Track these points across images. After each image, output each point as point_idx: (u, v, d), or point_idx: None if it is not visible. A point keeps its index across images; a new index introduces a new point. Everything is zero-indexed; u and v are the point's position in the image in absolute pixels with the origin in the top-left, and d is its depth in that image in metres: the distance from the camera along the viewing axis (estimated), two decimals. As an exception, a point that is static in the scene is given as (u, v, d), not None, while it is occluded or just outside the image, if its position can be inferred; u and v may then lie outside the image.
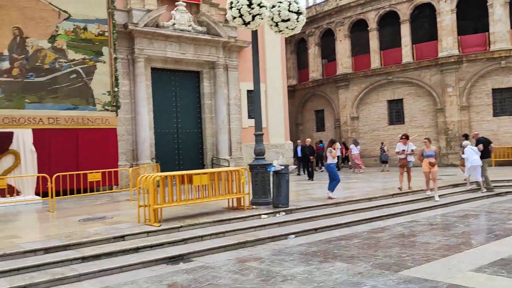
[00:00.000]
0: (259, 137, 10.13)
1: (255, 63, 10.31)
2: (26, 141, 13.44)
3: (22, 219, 9.87)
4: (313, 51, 27.25)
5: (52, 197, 10.62)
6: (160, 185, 8.24)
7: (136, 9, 16.59)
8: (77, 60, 14.80)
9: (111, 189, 14.22)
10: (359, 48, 25.25)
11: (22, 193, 12.89)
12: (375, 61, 24.18)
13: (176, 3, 17.64)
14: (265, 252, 6.99)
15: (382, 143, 21.77)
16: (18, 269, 5.81)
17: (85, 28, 14.96)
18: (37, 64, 14.08)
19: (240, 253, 6.99)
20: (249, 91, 19.66)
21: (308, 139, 19.09)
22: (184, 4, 17.80)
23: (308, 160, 17.79)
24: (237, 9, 9.38)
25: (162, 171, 14.52)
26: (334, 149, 11.13)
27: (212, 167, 17.73)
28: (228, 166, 16.60)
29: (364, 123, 25.04)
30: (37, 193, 12.99)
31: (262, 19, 9.50)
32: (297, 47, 29.16)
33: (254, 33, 10.34)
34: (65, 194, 11.85)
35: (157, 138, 17.56)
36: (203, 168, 18.23)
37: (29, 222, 9.55)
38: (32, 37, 14.02)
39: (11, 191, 12.49)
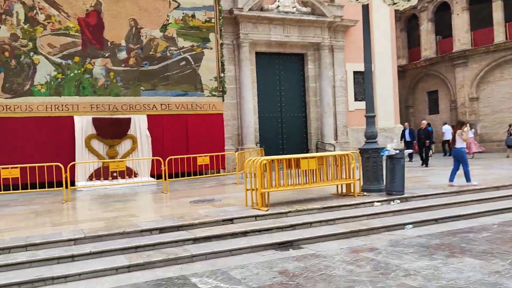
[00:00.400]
0: (370, 119, 9.47)
1: (366, 40, 9.59)
2: (142, 126, 14.28)
3: (139, 199, 10.45)
4: (426, 28, 25.15)
5: (165, 179, 11.12)
6: (267, 169, 8.08)
7: (241, -7, 16.63)
8: (186, 47, 15.28)
9: (218, 173, 14.60)
10: (479, 21, 22.67)
11: (139, 175, 13.78)
12: (499, 34, 21.55)
13: (280, -15, 17.37)
14: (381, 242, 6.46)
15: (510, 126, 19.39)
16: (136, 247, 6.03)
17: (193, 16, 15.37)
18: (150, 53, 14.81)
19: (352, 242, 6.55)
20: (355, 72, 18.79)
21: (424, 121, 17.62)
22: (288, -15, 17.46)
23: (423, 144, 16.45)
24: (347, -18, 8.77)
25: (266, 155, 14.47)
26: (464, 131, 10.07)
27: (317, 152, 17.31)
28: (334, 151, 16.05)
29: (485, 104, 22.58)
30: (151, 175, 13.80)
31: (374, -9, 8.77)
32: (407, 24, 27.17)
33: (365, 8, 9.61)
34: (176, 176, 12.40)
35: (261, 123, 17.59)
36: (307, 152, 17.88)
37: (145, 202, 10.08)
38: (145, 27, 14.75)
39: (130, 173, 13.41)
